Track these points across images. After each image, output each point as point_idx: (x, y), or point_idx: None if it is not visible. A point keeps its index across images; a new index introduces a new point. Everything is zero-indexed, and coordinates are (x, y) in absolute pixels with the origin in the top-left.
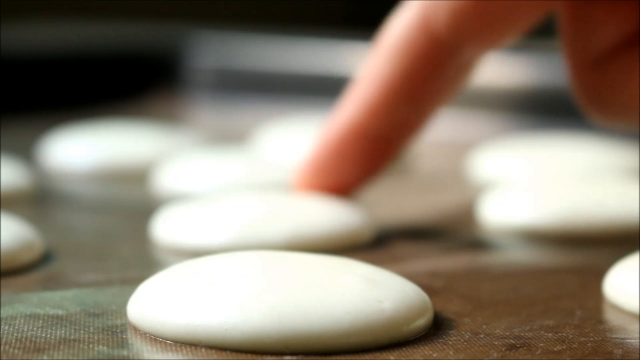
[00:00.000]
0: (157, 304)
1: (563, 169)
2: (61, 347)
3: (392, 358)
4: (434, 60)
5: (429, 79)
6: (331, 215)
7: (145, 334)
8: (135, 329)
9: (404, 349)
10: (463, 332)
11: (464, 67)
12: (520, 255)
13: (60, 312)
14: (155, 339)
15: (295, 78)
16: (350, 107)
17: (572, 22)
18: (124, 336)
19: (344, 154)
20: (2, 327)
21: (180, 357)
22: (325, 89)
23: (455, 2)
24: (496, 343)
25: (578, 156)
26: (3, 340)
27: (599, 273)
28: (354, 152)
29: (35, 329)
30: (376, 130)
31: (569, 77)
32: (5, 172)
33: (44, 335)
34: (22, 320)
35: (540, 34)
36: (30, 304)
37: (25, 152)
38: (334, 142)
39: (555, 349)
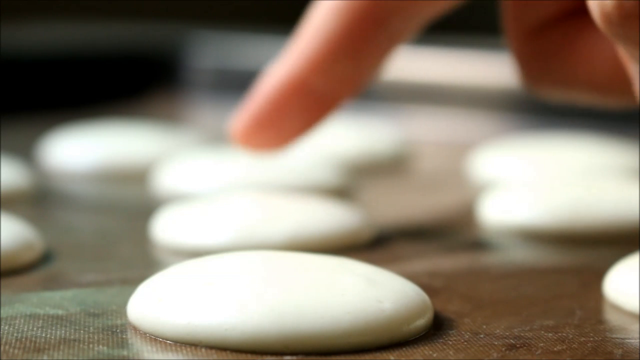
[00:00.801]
0: (157, 304)
1: (563, 169)
2: (61, 347)
3: (392, 358)
4: (376, 17)
5: (370, 36)
6: (331, 215)
7: (145, 334)
8: (135, 329)
9: (404, 349)
10: (463, 332)
11: (408, 27)
12: (520, 255)
13: (60, 312)
14: (155, 339)
15: None
16: (291, 61)
17: None
18: (124, 336)
19: (284, 108)
20: (2, 327)
21: (180, 357)
22: None
23: None
24: (496, 343)
25: (578, 156)
26: (3, 340)
27: (599, 273)
28: (294, 107)
29: (35, 329)
30: (316, 85)
31: (508, 47)
32: (5, 172)
33: (44, 335)
34: (22, 320)
35: None
36: (30, 304)
37: (25, 152)
38: (275, 95)
39: (555, 349)
